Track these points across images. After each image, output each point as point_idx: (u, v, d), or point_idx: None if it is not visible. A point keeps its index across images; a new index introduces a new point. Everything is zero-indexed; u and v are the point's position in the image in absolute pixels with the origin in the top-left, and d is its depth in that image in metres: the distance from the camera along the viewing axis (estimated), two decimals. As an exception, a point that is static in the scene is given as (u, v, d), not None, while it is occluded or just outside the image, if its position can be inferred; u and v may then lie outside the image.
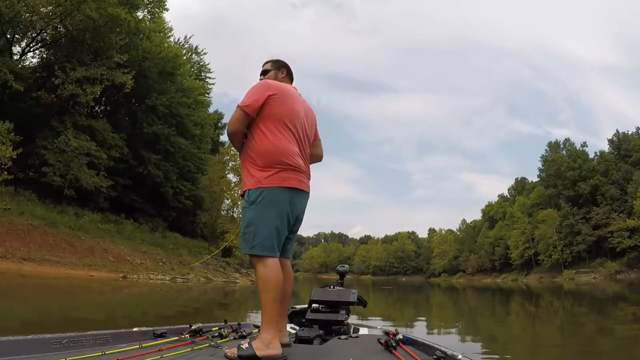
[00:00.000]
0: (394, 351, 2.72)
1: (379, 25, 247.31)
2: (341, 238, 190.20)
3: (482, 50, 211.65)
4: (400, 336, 2.97)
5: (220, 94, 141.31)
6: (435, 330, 9.84)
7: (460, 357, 2.57)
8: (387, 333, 3.19)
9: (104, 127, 27.57)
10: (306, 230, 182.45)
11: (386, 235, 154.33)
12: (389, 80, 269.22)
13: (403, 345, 2.89)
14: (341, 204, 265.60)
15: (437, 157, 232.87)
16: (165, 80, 32.45)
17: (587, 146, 79.74)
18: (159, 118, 31.57)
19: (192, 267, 26.72)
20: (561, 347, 7.46)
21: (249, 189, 2.73)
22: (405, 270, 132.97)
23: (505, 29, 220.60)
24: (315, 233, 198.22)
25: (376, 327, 3.73)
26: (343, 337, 3.17)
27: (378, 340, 2.93)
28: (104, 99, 31.28)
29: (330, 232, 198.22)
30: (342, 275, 3.94)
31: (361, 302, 3.69)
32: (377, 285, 51.17)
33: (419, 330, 9.26)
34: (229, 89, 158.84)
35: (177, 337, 2.86)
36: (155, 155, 31.54)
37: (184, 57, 36.82)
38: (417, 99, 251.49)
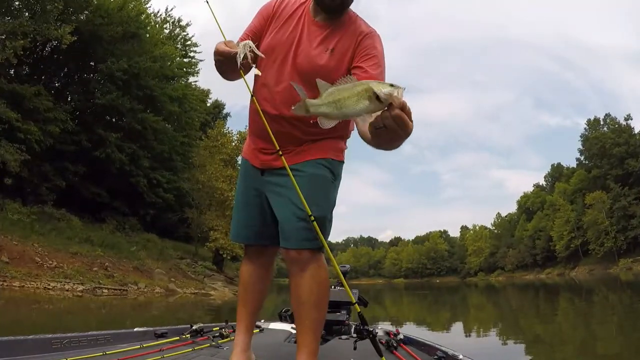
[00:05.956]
0: (395, 351, 2.72)
1: (401, 27, 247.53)
2: (370, 242, 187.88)
3: (504, 45, 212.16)
4: (401, 336, 2.95)
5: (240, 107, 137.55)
6: (474, 334, 9.55)
7: (461, 357, 2.52)
8: (388, 333, 3.22)
9: (33, 91, 20.90)
10: (335, 236, 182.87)
11: (417, 236, 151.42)
12: (414, 81, 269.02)
13: (404, 346, 2.87)
14: (370, 208, 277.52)
15: (465, 155, 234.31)
16: (128, 44, 25.87)
17: (631, 119, 71.52)
18: (118, 89, 24.84)
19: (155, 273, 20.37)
20: (621, 349, 6.71)
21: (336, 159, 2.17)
22: (439, 271, 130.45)
23: (526, 21, 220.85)
24: (344, 238, 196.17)
25: (377, 327, 3.62)
26: (344, 337, 3.22)
27: (379, 340, 2.68)
28: (40, 61, 24.97)
29: (359, 236, 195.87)
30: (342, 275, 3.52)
31: (362, 302, 3.56)
32: (410, 289, 48.73)
33: (455, 335, 9.02)
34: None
35: (178, 337, 2.82)
36: (115, 134, 24.84)
37: (155, 24, 30.10)
38: (443, 98, 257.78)
